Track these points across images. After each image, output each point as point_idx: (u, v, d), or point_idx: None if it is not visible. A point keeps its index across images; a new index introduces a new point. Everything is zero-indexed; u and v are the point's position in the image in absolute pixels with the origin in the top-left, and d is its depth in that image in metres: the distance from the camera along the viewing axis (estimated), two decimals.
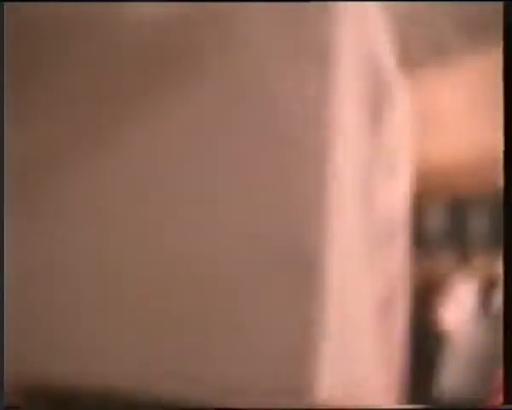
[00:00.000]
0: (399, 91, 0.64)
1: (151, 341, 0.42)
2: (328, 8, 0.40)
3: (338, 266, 0.42)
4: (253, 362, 0.39)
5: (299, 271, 0.39)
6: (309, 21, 0.40)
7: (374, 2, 0.41)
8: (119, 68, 0.43)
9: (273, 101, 0.41)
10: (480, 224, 2.65)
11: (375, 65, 0.48)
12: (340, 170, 0.40)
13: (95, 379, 0.43)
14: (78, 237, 0.44)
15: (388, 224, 0.55)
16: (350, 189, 0.44)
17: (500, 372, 0.70)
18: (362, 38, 0.44)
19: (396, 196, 0.62)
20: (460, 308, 2.84)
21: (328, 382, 0.40)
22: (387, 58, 0.54)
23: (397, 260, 0.63)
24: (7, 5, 0.43)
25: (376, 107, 0.50)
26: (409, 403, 0.63)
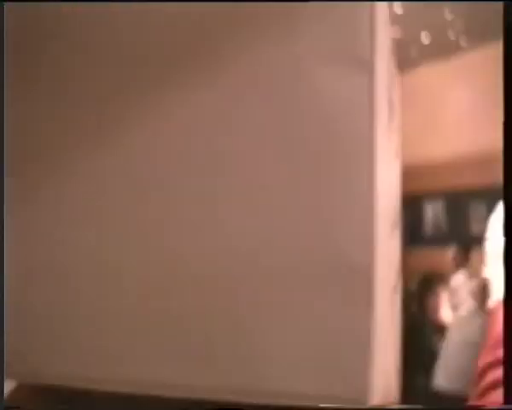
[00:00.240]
0: (397, 90, 0.64)
1: (152, 341, 0.42)
2: (363, 10, 0.40)
3: (383, 271, 0.42)
4: (308, 373, 0.39)
5: (351, 281, 0.39)
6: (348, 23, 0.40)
7: (373, 3, 0.40)
8: (118, 68, 0.43)
9: (309, 104, 0.40)
10: (480, 220, 2.65)
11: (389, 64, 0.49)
12: (380, 177, 0.40)
13: (95, 380, 0.43)
14: (78, 237, 0.44)
15: (392, 215, 0.56)
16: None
17: (476, 363, 0.70)
18: (386, 38, 0.44)
19: (394, 188, 0.62)
20: (456, 305, 2.84)
21: (380, 388, 0.40)
22: (392, 58, 0.54)
23: (396, 252, 0.64)
24: (7, 5, 0.43)
25: (390, 107, 0.50)
26: (403, 399, 0.63)
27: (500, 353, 0.70)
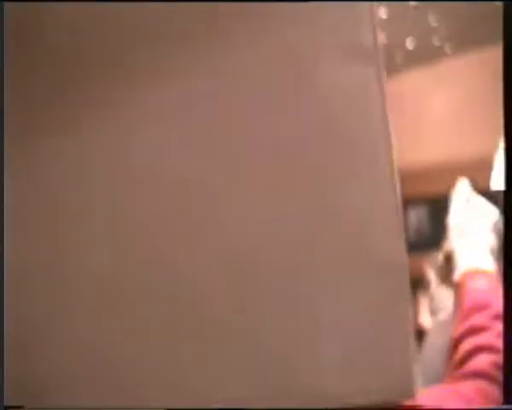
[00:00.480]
0: None
1: (156, 348, 0.40)
2: (364, 9, 0.39)
3: None
4: (352, 370, 0.38)
5: (387, 277, 0.38)
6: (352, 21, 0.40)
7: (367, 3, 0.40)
8: (109, 51, 0.42)
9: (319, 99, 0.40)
10: None
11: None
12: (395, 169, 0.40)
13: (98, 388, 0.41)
14: (69, 239, 0.42)
15: None
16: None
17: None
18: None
19: None
20: (435, 310, 2.86)
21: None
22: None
23: None
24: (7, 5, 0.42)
25: None
26: None
27: (472, 321, 0.71)
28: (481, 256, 0.84)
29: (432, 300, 3.03)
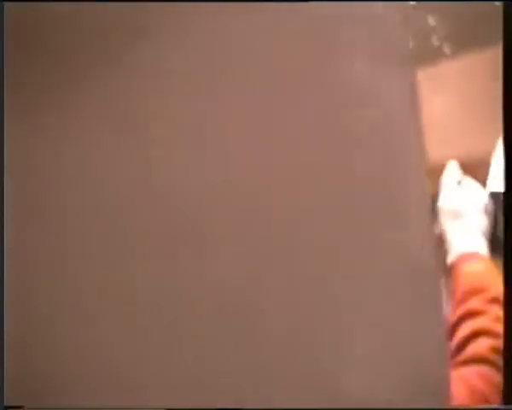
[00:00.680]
0: None
1: (159, 347, 0.40)
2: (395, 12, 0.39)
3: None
4: (388, 377, 0.38)
5: (420, 281, 0.38)
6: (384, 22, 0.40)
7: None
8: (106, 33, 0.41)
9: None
10: None
11: None
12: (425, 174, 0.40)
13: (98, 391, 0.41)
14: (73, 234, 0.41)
15: None
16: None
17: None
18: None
19: None
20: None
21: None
22: None
23: None
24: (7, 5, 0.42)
25: None
26: None
27: (469, 305, 0.71)
28: (474, 239, 0.84)
29: None
